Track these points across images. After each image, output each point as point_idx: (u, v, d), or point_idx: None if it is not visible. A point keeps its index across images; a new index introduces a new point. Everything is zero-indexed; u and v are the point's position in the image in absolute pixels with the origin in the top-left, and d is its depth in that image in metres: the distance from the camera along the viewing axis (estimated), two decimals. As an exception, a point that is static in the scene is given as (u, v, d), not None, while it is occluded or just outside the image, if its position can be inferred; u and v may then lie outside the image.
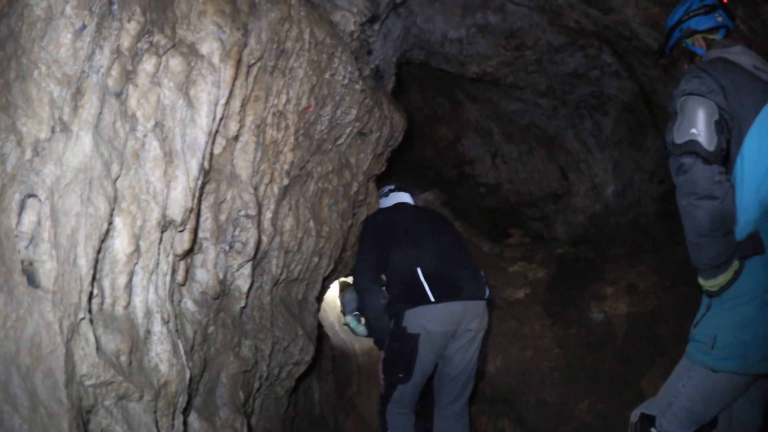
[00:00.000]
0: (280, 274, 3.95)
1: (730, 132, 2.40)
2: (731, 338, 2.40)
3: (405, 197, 4.55)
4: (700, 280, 2.49)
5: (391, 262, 3.87)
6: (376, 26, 4.88)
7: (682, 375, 2.57)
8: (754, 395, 2.62)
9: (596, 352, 5.13)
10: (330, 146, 4.41)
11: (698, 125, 2.34)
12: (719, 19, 2.75)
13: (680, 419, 2.55)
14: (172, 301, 2.62)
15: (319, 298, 4.92)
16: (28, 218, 1.79)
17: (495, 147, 8.43)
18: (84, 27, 1.95)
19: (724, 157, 2.40)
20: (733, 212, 2.36)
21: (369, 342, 7.00)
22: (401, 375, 3.72)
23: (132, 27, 2.17)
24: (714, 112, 2.36)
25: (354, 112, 4.37)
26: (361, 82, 4.28)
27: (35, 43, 1.87)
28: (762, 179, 2.36)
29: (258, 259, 3.62)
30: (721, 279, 2.39)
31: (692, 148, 2.33)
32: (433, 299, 3.59)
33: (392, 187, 4.72)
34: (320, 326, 5.34)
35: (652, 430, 2.62)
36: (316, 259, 4.48)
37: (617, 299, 5.45)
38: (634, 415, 2.73)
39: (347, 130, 4.50)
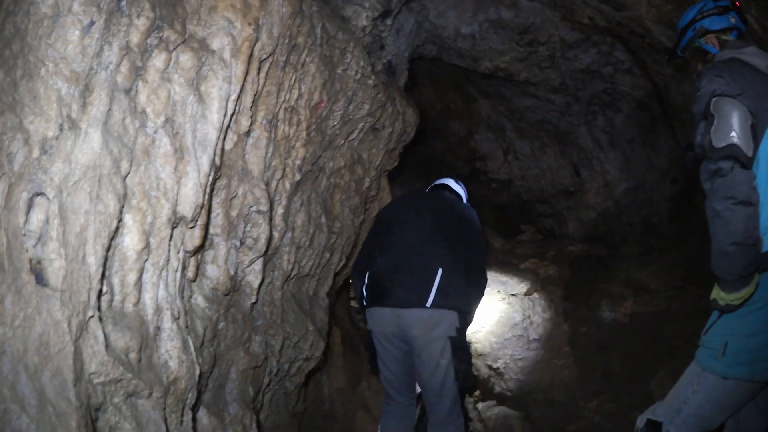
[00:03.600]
0: (291, 269, 3.94)
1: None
2: (742, 346, 2.36)
3: (444, 181, 4.24)
4: (722, 295, 2.37)
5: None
6: (389, 21, 4.86)
7: (692, 381, 2.53)
8: (761, 401, 2.59)
9: (606, 351, 5.11)
10: (342, 141, 4.40)
11: (737, 129, 2.27)
12: (732, 20, 2.70)
13: (689, 426, 2.51)
14: (182, 297, 2.61)
15: (330, 294, 4.90)
16: (36, 217, 1.78)
17: (507, 143, 8.40)
18: (92, 23, 1.94)
19: None
20: (758, 221, 2.29)
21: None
22: (370, 366, 3.75)
23: (141, 23, 2.16)
24: (748, 116, 2.30)
25: (366, 107, 4.35)
26: (373, 77, 4.25)
27: (42, 41, 1.86)
28: None
29: (269, 254, 3.61)
30: (745, 292, 2.31)
31: (732, 152, 2.25)
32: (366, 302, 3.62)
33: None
34: (331, 321, 5.32)
35: None
36: (327, 255, 4.47)
37: (628, 298, 5.42)
38: (641, 421, 2.69)
39: (359, 126, 4.48)
